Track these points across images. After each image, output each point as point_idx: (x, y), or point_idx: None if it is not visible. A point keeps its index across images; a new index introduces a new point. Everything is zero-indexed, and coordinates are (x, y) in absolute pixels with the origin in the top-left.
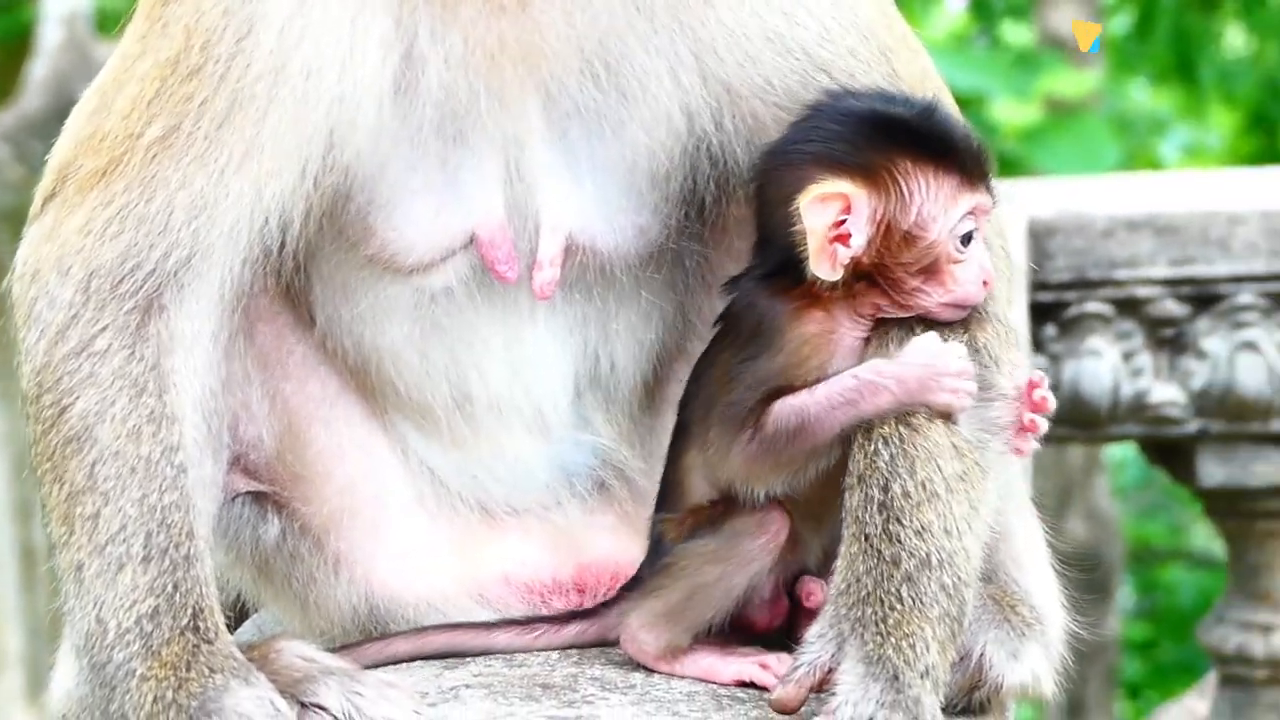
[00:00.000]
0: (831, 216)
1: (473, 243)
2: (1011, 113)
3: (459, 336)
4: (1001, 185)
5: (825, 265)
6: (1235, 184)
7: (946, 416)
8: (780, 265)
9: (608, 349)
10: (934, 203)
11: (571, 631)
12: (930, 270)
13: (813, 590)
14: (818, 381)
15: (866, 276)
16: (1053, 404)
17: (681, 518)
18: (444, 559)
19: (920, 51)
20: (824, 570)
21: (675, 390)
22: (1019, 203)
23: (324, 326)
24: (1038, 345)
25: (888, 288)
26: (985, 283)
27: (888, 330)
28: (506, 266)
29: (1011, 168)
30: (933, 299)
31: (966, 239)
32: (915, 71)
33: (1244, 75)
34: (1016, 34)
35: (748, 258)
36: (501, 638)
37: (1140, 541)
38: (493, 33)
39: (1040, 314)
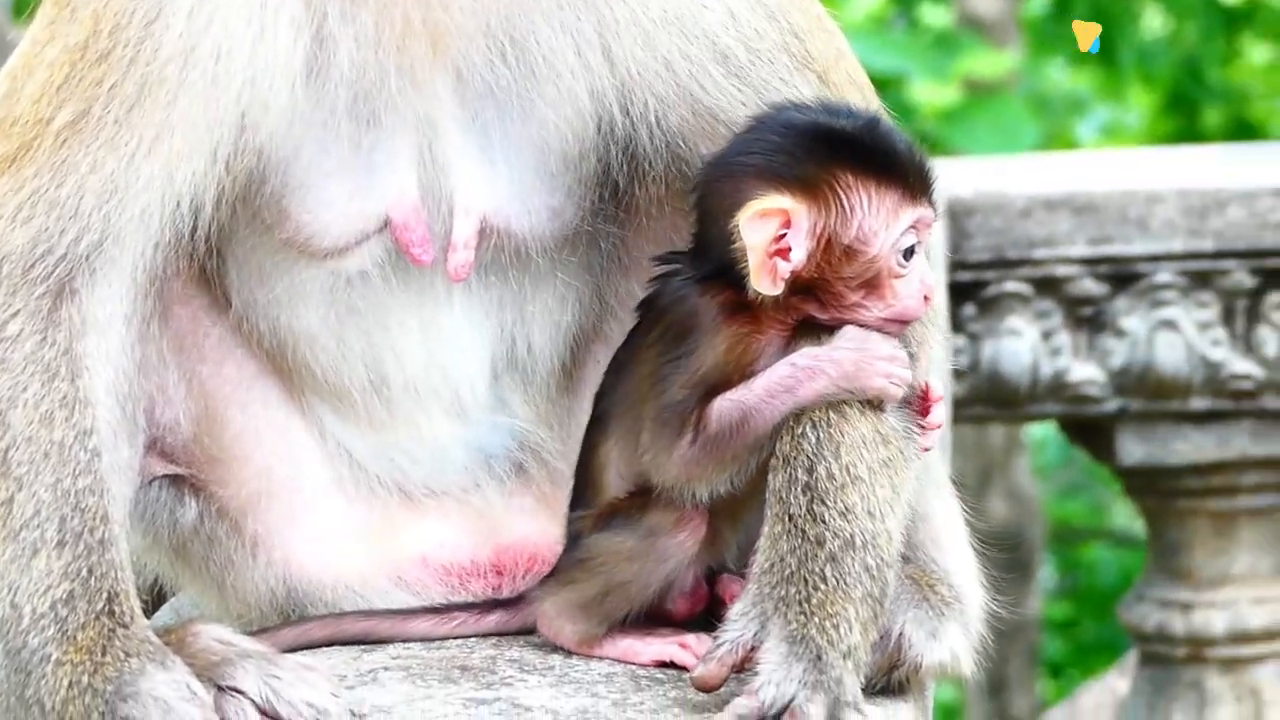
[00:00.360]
0: (771, 231)
1: (387, 226)
2: (930, 94)
3: (375, 319)
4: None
5: (766, 280)
6: (1153, 163)
7: (878, 404)
8: (715, 272)
9: (524, 331)
10: (875, 217)
11: (491, 621)
12: (871, 284)
13: (734, 592)
14: (751, 377)
15: (806, 289)
16: (939, 422)
17: (598, 512)
18: (362, 541)
19: (835, 33)
20: (742, 566)
21: (593, 372)
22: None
23: (240, 309)
24: (957, 325)
25: (827, 301)
26: (926, 297)
27: (816, 325)
28: (421, 249)
29: (930, 148)
30: (873, 313)
31: (908, 253)
32: (830, 53)
33: (1162, 55)
34: (935, 15)
35: (664, 239)
36: (419, 625)
37: (1061, 521)
38: (401, 13)
39: (959, 294)
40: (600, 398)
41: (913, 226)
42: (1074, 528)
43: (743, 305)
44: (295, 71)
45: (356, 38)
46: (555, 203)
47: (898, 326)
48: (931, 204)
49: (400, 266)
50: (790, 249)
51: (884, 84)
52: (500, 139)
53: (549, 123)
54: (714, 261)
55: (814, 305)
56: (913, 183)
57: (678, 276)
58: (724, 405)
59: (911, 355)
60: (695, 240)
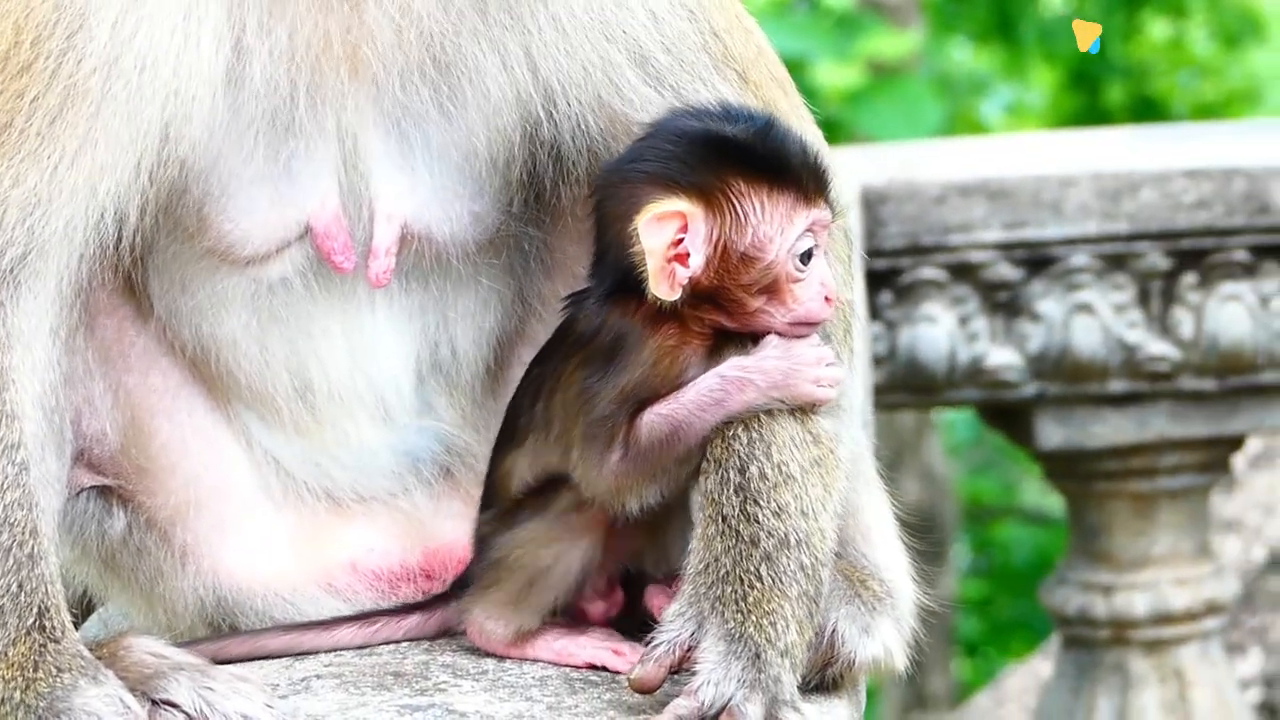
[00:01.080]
0: (669, 236)
1: (308, 233)
2: (833, 76)
3: (298, 326)
4: (838, 155)
5: (664, 285)
6: (1065, 147)
7: (810, 407)
8: (620, 283)
9: (448, 335)
10: (769, 223)
11: (411, 623)
12: (771, 290)
13: (660, 603)
14: (678, 389)
15: (709, 298)
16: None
17: (501, 512)
18: (291, 548)
19: (754, 31)
20: (663, 574)
21: (517, 373)
22: (851, 172)
23: (163, 318)
24: (874, 313)
25: (730, 309)
26: (828, 299)
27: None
28: (342, 256)
29: (835, 132)
30: (776, 319)
31: (806, 257)
32: (750, 52)
33: (1064, 33)
34: None
35: (586, 240)
36: (341, 634)
37: (973, 499)
38: (321, 26)
39: (875, 281)
40: (513, 413)
41: (808, 229)
42: (986, 506)
43: (665, 317)
44: (216, 82)
45: (274, 50)
46: (478, 207)
47: (806, 329)
48: (828, 204)
49: (322, 273)
50: (688, 254)
51: (787, 67)
52: (422, 146)
53: (472, 129)
54: (612, 268)
55: (720, 314)
56: (806, 185)
57: (590, 297)
58: (653, 419)
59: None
60: (594, 246)
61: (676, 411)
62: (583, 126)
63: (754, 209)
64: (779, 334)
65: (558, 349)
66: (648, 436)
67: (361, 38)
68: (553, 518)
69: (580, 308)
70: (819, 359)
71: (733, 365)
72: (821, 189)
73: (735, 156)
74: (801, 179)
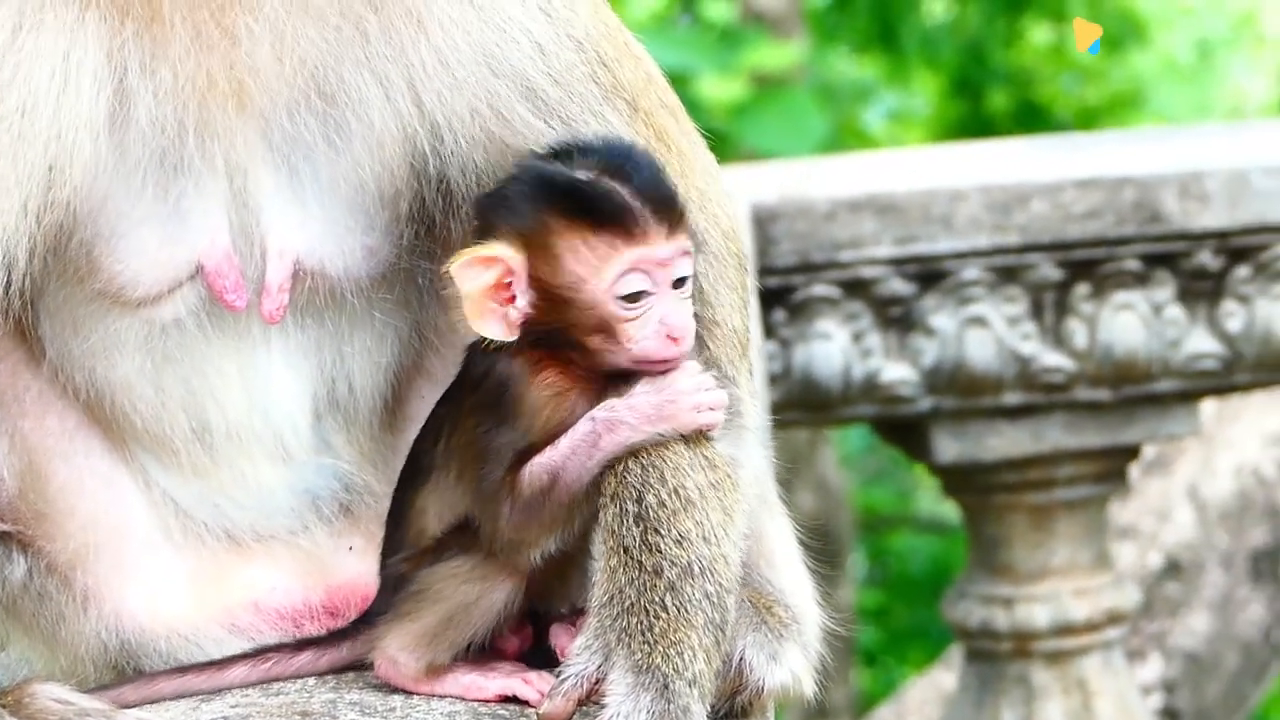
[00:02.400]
0: (490, 279)
1: (200, 273)
2: (717, 89)
3: (193, 366)
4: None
5: (490, 327)
6: (955, 160)
7: (700, 434)
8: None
9: (344, 371)
10: (583, 264)
11: (304, 660)
12: (603, 329)
13: (564, 644)
14: (560, 435)
15: (556, 340)
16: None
17: (422, 550)
18: (192, 589)
19: (643, 58)
20: (572, 613)
21: (416, 408)
22: (742, 190)
23: (56, 361)
24: (767, 331)
25: (579, 346)
26: (671, 337)
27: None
28: (235, 295)
29: (721, 145)
30: (620, 357)
31: (634, 297)
32: (639, 79)
33: (945, 41)
34: (718, 11)
35: None
36: (234, 674)
37: (868, 509)
38: (203, 64)
39: (768, 300)
40: (417, 451)
41: (635, 269)
42: (881, 516)
43: (548, 361)
44: (99, 125)
45: (157, 90)
46: (371, 242)
47: (654, 367)
48: (670, 240)
49: (215, 312)
50: (515, 296)
51: (671, 82)
52: (312, 182)
53: (361, 165)
54: None
55: (573, 352)
56: (638, 225)
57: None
58: (533, 470)
59: (721, 375)
60: None
61: (553, 459)
62: (471, 160)
63: (567, 249)
64: (632, 371)
65: (458, 391)
66: (529, 488)
67: (244, 72)
68: (480, 556)
69: (475, 349)
70: (697, 386)
71: (604, 407)
72: (659, 226)
73: (556, 197)
74: (630, 218)
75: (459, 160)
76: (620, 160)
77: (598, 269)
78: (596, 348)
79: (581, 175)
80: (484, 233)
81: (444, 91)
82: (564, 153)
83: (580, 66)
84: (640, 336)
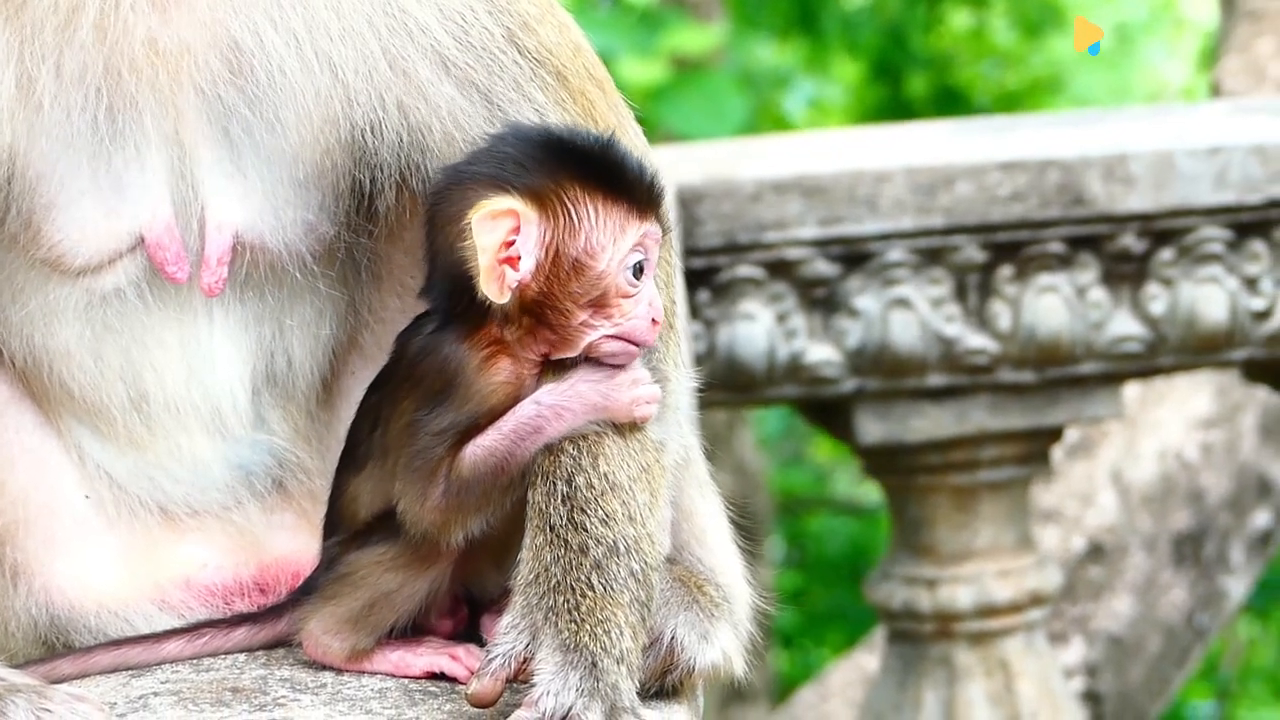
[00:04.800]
0: (501, 235)
1: (141, 244)
2: (637, 72)
3: (133, 337)
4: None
5: (494, 287)
6: (880, 142)
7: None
8: (453, 304)
9: (283, 345)
10: (603, 231)
11: (239, 635)
12: (599, 303)
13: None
14: (499, 418)
15: (533, 310)
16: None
17: (352, 534)
18: (124, 565)
19: (570, 26)
20: (502, 598)
21: (350, 384)
22: (667, 170)
23: None
24: (692, 311)
25: (555, 321)
26: (655, 320)
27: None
28: (175, 267)
29: (641, 128)
30: (599, 332)
31: (637, 271)
32: (565, 47)
33: (865, 25)
34: None
35: (415, 248)
36: (169, 648)
37: (786, 492)
38: (131, 34)
39: (693, 280)
40: (354, 438)
41: (639, 244)
42: (799, 498)
43: (499, 350)
44: (14, 106)
45: (69, 68)
46: (310, 216)
47: (626, 348)
48: (659, 221)
49: (156, 284)
50: (519, 257)
51: None
52: (251, 154)
53: (297, 138)
54: (442, 275)
55: (543, 329)
56: (641, 199)
57: (424, 327)
58: (474, 451)
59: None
60: (426, 254)
61: (498, 443)
62: (393, 131)
63: (588, 215)
64: (597, 354)
65: (393, 375)
66: (470, 469)
67: (172, 44)
68: (404, 543)
69: (415, 333)
70: (635, 380)
71: (549, 392)
72: (655, 205)
73: (572, 162)
74: (636, 192)
75: (379, 130)
76: (608, 140)
77: (615, 239)
78: (581, 322)
79: (594, 140)
80: (490, 189)
81: (354, 57)
82: (545, 127)
83: (496, 31)
84: (632, 313)
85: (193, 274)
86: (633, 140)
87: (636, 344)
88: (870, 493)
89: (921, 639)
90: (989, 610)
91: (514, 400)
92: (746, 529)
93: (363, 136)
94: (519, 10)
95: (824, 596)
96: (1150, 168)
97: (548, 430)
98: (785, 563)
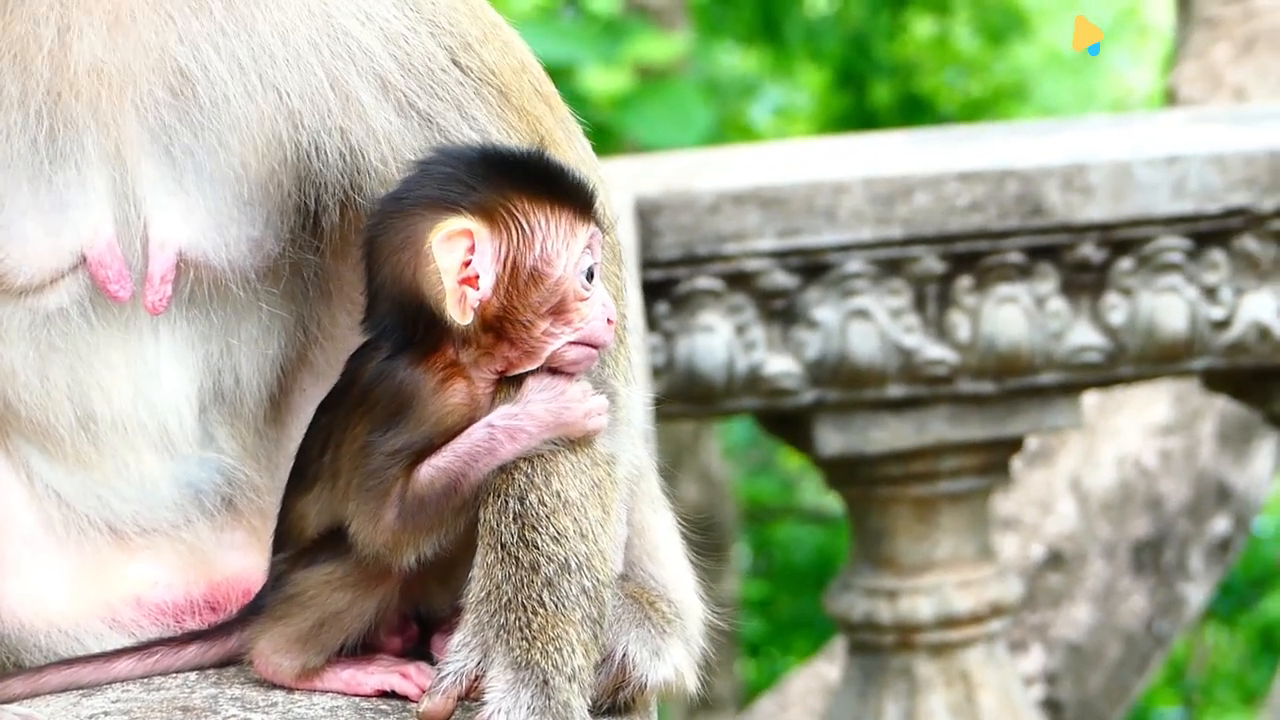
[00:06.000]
0: (460, 255)
1: (83, 263)
2: (602, 81)
3: (79, 356)
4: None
5: (457, 309)
6: (838, 153)
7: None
8: (405, 331)
9: (230, 363)
10: (555, 237)
11: (190, 653)
12: (558, 310)
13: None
14: (452, 439)
15: (494, 327)
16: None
17: (299, 551)
18: (73, 584)
19: (514, 44)
20: (453, 617)
21: (299, 401)
22: (625, 182)
23: None
24: (651, 324)
25: (517, 335)
26: (610, 320)
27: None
28: (118, 285)
29: (605, 138)
30: (561, 340)
31: (590, 274)
32: (508, 65)
33: (829, 33)
34: (603, 3)
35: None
36: (120, 667)
37: (752, 500)
38: (75, 59)
39: (651, 292)
40: (303, 459)
41: (588, 247)
42: (765, 506)
43: (454, 372)
44: None
45: (27, 82)
46: (255, 233)
47: (586, 353)
48: (599, 223)
49: (100, 303)
50: (478, 275)
51: (555, 74)
52: (193, 172)
53: (235, 152)
54: (389, 307)
55: (505, 345)
56: (582, 202)
57: (375, 354)
58: (428, 472)
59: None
60: (368, 286)
61: (452, 464)
62: (335, 151)
63: (539, 224)
64: (559, 362)
65: (344, 397)
66: (425, 490)
67: (116, 68)
68: (352, 563)
69: (366, 357)
70: (584, 391)
71: (502, 415)
72: (593, 207)
73: (514, 174)
74: (578, 196)
75: (322, 150)
76: (537, 149)
77: (569, 244)
78: (543, 332)
79: (531, 151)
80: (439, 211)
81: (294, 79)
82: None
83: (438, 52)
84: (590, 316)
85: (136, 292)
86: (581, 154)
87: (596, 346)
88: (837, 502)
89: (882, 650)
90: (950, 621)
91: (469, 420)
92: (709, 539)
93: (307, 157)
94: (461, 31)
95: (790, 605)
96: (1109, 177)
97: (501, 452)
98: (752, 571)
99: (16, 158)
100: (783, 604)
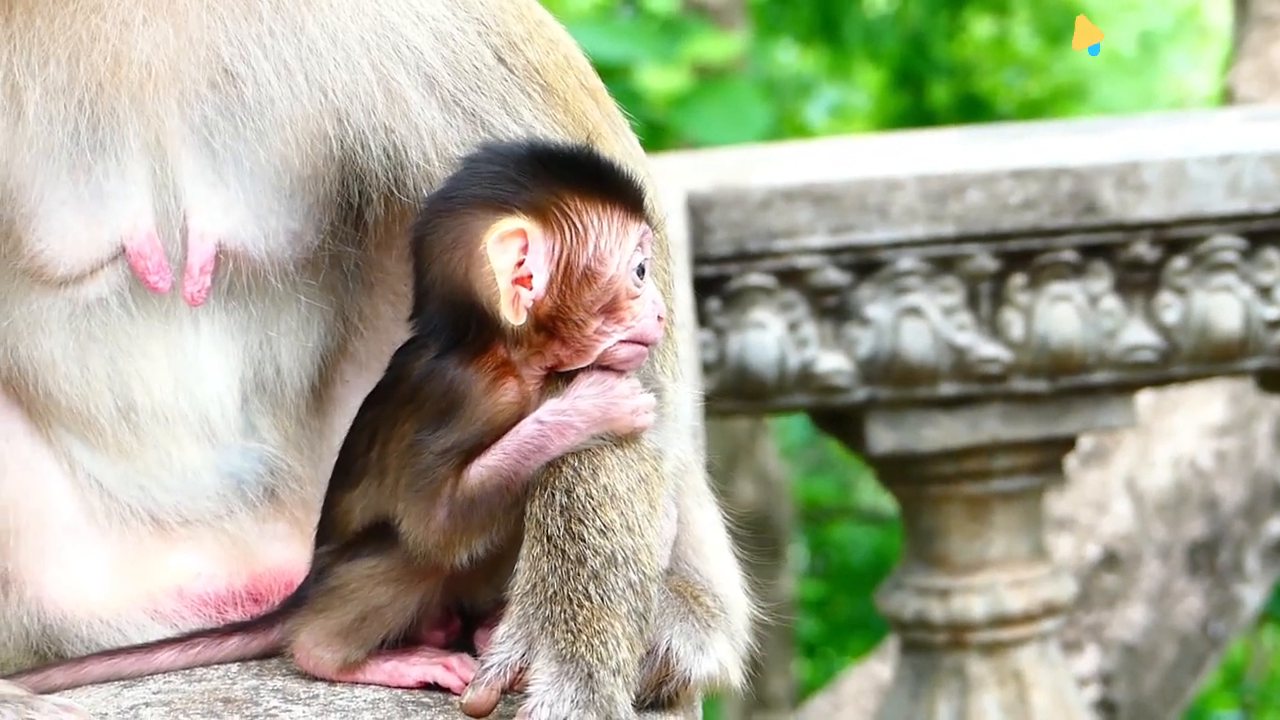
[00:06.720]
0: (513, 256)
1: (123, 253)
2: (659, 80)
3: (119, 346)
4: (657, 163)
5: (511, 310)
6: (891, 150)
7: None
8: (455, 331)
9: (271, 354)
10: (609, 236)
11: (232, 645)
12: (610, 308)
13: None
14: (501, 436)
15: (546, 326)
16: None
17: (343, 545)
18: (115, 574)
19: (561, 40)
20: (495, 613)
21: (341, 392)
22: (676, 178)
23: None
24: (702, 320)
25: (569, 333)
26: (659, 317)
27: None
28: (157, 276)
29: (662, 137)
30: (613, 338)
31: (641, 271)
32: (555, 62)
33: (888, 33)
34: (660, 2)
35: (405, 256)
36: (162, 658)
37: (809, 500)
38: (110, 47)
39: (703, 288)
40: (349, 453)
41: (640, 244)
42: (823, 507)
43: (505, 371)
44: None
45: (50, 80)
46: (294, 226)
47: (637, 351)
48: (649, 220)
49: (140, 293)
50: (531, 275)
51: (612, 72)
52: (233, 163)
53: (281, 148)
54: (439, 307)
55: (557, 344)
56: (633, 200)
57: (424, 352)
58: (478, 471)
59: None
60: (416, 286)
61: (502, 463)
62: (378, 148)
63: (593, 223)
64: (611, 360)
65: (390, 394)
66: (475, 490)
67: (152, 55)
68: (396, 557)
69: (413, 354)
70: (632, 388)
71: (550, 410)
72: (642, 204)
73: (565, 172)
74: (628, 194)
75: (366, 145)
76: (585, 146)
77: (622, 242)
78: (595, 330)
79: (580, 148)
80: (492, 211)
81: (341, 75)
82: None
83: (484, 51)
84: (642, 314)
85: (176, 283)
86: (628, 149)
87: (647, 344)
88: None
89: (934, 649)
90: (1002, 620)
91: (518, 418)
92: (765, 539)
93: (351, 153)
94: (506, 30)
95: (846, 605)
96: (1163, 176)
97: (551, 448)
98: (808, 572)
99: (57, 147)
100: (839, 604)
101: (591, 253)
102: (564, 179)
